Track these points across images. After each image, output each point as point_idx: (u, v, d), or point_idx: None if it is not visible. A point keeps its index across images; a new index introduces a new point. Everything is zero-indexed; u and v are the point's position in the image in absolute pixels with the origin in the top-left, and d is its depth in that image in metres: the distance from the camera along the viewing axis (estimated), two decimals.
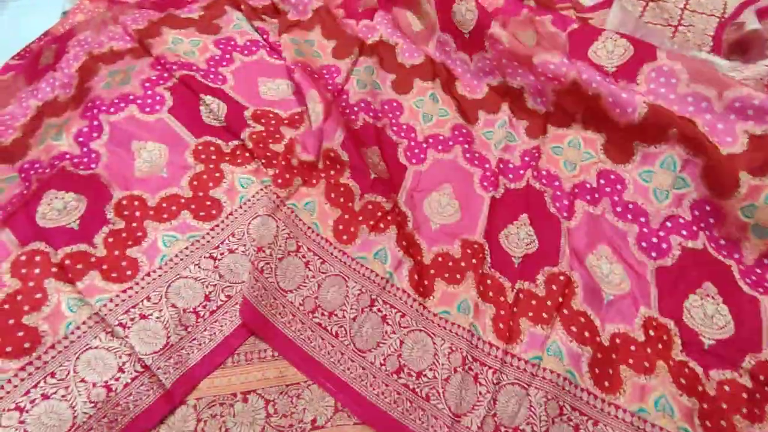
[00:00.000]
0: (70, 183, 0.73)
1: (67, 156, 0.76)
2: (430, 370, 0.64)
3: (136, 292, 0.65)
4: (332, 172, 0.79)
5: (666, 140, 0.74)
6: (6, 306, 0.62)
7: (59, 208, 0.70)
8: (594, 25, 0.97)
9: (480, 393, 0.62)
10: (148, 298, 0.65)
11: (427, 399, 0.62)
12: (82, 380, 0.60)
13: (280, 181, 0.75)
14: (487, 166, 0.81)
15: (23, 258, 0.66)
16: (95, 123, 0.80)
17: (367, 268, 0.71)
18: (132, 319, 0.63)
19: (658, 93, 0.77)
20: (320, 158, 0.79)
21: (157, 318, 0.64)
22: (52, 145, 0.77)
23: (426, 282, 0.69)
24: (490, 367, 0.63)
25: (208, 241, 0.71)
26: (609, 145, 0.80)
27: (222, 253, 0.70)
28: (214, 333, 0.65)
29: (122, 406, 0.59)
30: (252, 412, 0.62)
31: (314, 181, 0.77)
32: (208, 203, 0.74)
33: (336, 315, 0.67)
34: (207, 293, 0.67)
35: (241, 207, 0.75)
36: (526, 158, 0.82)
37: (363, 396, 0.63)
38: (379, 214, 0.75)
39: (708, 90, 0.74)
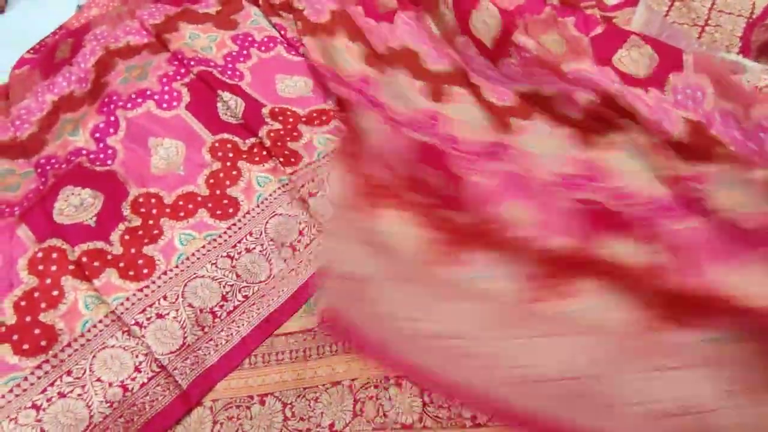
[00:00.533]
0: (87, 179, 0.74)
1: (84, 152, 0.76)
2: None
3: (153, 291, 0.66)
4: (410, 194, 0.75)
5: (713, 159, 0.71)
6: (23, 303, 0.63)
7: (76, 205, 0.71)
8: (618, 27, 0.96)
9: None
10: (165, 297, 0.66)
11: None
12: (99, 379, 0.61)
13: None
14: (542, 175, 0.77)
15: (40, 255, 0.67)
16: (112, 118, 0.80)
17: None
18: (148, 319, 0.64)
19: (687, 105, 0.76)
20: (393, 181, 0.76)
21: (174, 317, 0.64)
22: (68, 141, 0.78)
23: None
24: None
25: (225, 240, 0.71)
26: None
27: (239, 253, 0.71)
28: (231, 334, 0.66)
29: (138, 407, 0.60)
30: (269, 414, 0.62)
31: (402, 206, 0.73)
32: (225, 202, 0.74)
33: None
34: (224, 293, 0.67)
35: (258, 206, 0.75)
36: (579, 170, 0.77)
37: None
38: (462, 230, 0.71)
39: (735, 107, 0.73)
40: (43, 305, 0.63)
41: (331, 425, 0.62)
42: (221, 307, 0.67)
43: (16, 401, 0.59)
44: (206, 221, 0.73)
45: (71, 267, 0.66)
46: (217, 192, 0.76)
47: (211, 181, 0.77)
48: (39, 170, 0.76)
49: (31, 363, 0.61)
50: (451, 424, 0.62)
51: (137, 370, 0.62)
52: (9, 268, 0.66)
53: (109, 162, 0.76)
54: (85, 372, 0.61)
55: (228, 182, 0.77)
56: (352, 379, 0.64)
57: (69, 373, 0.61)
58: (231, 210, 0.74)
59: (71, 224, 0.69)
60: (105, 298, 0.64)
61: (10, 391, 0.59)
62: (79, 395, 0.60)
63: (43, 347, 0.61)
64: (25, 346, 0.61)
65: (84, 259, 0.66)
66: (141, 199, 0.74)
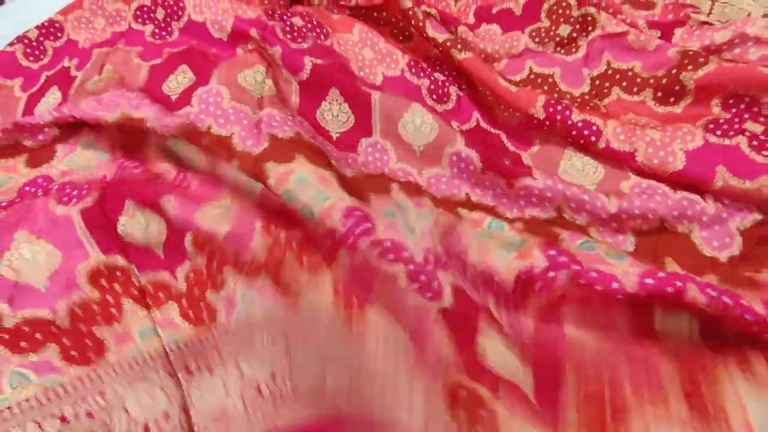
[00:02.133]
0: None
1: (180, 176, 0.80)
2: None
3: (209, 339, 0.69)
4: None
5: None
6: (78, 311, 0.67)
7: (142, 227, 0.71)
8: None
9: None
10: (218, 351, 0.69)
11: None
12: (125, 411, 0.64)
13: None
14: None
15: (103, 269, 0.70)
16: None
17: None
18: (198, 368, 0.67)
19: None
20: None
21: (220, 376, 0.68)
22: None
23: None
24: None
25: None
26: None
27: None
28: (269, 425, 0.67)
29: None
30: None
31: None
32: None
33: None
34: (274, 373, 0.69)
35: None
36: None
37: None
38: None
39: None
40: (99, 318, 0.67)
41: None
42: (267, 386, 0.68)
43: (48, 406, 0.62)
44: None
45: (135, 292, 0.70)
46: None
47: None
48: (120, 161, 0.79)
49: (74, 372, 0.65)
50: None
51: (166, 416, 0.65)
52: (68, 270, 0.68)
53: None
54: (116, 398, 0.65)
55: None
56: None
57: (102, 395, 0.65)
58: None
59: (139, 248, 0.71)
60: (160, 332, 0.68)
61: (44, 392, 0.62)
62: (104, 422, 0.63)
63: (90, 360, 0.66)
64: (74, 353, 0.65)
65: (150, 289, 0.70)
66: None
